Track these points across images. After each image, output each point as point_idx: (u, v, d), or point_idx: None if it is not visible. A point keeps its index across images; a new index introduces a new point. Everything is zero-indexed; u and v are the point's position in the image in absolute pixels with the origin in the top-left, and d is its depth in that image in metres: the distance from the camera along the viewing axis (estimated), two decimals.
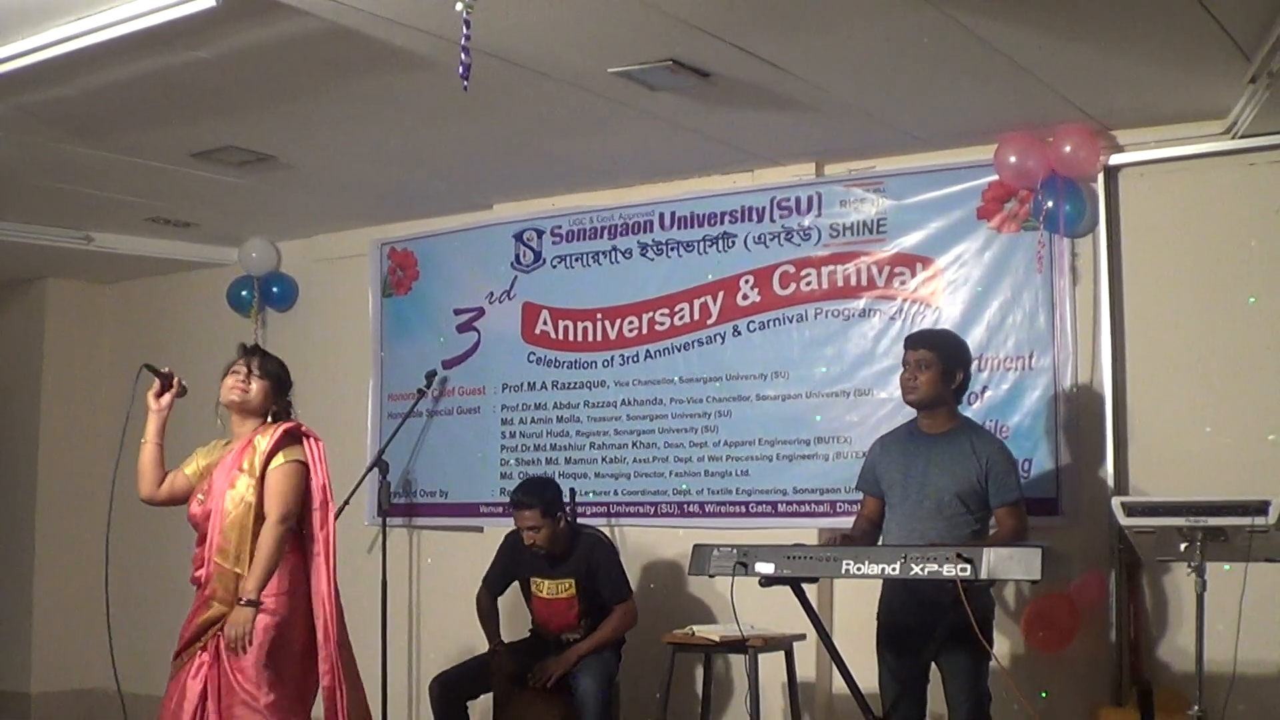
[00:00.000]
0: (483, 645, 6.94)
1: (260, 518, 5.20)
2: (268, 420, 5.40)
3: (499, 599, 6.99)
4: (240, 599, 5.11)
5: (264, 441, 5.28)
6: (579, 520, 7.30)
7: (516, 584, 7.01)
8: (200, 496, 5.34)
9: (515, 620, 7.13)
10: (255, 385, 5.39)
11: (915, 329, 6.56)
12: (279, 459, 5.28)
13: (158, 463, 5.41)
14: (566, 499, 7.38)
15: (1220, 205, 6.25)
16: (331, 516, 5.35)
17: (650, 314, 7.54)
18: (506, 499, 7.47)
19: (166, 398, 5.40)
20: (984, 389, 6.52)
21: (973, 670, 5.49)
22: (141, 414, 5.43)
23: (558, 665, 6.58)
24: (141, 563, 8.91)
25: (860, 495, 6.03)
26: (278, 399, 5.45)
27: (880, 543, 5.77)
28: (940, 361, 5.68)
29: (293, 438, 5.35)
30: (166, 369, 5.43)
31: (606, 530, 7.42)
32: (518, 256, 8.01)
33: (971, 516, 5.59)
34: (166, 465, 5.45)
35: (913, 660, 5.58)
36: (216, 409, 5.50)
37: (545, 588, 6.79)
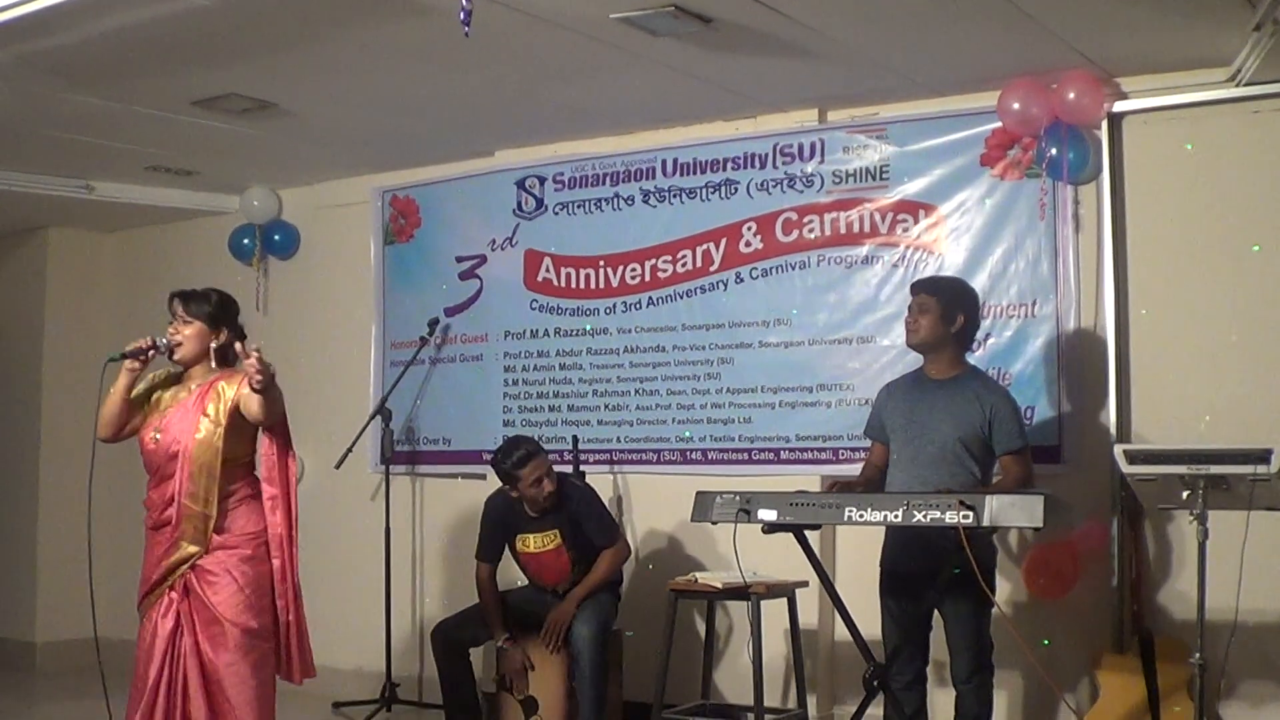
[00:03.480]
0: None
1: (226, 460, 5.27)
2: (217, 359, 5.43)
3: (498, 562, 6.98)
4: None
5: (230, 390, 5.30)
6: (580, 469, 7.33)
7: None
8: (156, 433, 5.37)
9: (508, 571, 7.14)
10: (186, 331, 5.41)
11: (917, 276, 6.58)
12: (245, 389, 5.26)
13: (122, 413, 5.43)
14: (569, 446, 7.41)
15: (1224, 153, 6.22)
16: (291, 461, 5.42)
17: (653, 261, 7.52)
18: None
19: (139, 364, 5.38)
20: (987, 336, 6.51)
21: (975, 617, 5.52)
22: None
23: (560, 618, 6.58)
24: (131, 510, 8.92)
25: (868, 442, 6.04)
26: (215, 334, 5.43)
27: (885, 488, 5.79)
28: (939, 305, 5.69)
29: None
30: (133, 345, 5.35)
31: (609, 478, 7.45)
32: (520, 203, 7.99)
33: (975, 463, 5.61)
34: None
35: (914, 606, 5.61)
36: (169, 355, 5.49)
37: (532, 542, 6.78)
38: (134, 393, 5.45)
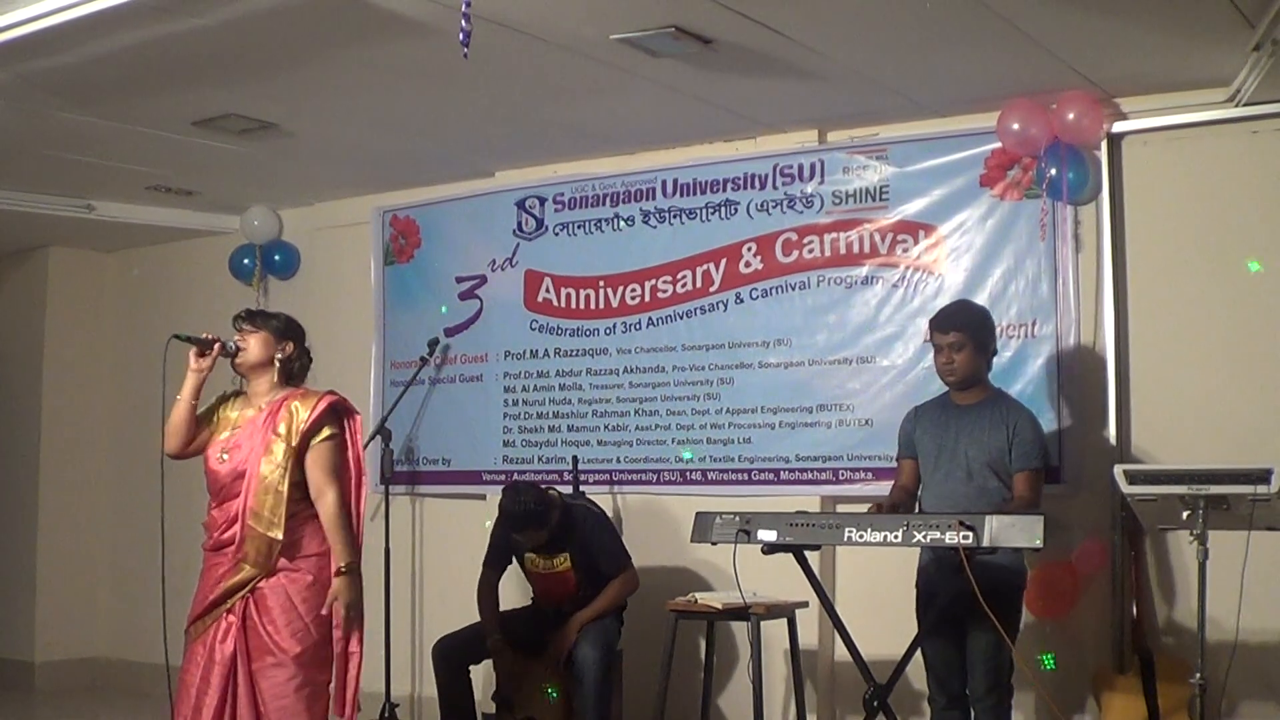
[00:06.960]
0: None
1: (295, 485, 5.20)
2: (281, 374, 5.40)
3: (504, 571, 6.96)
4: (339, 570, 5.18)
5: (304, 411, 5.27)
6: (579, 489, 7.32)
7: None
8: (223, 454, 5.30)
9: (518, 587, 7.14)
10: (251, 340, 5.38)
11: (918, 297, 6.62)
12: (323, 434, 5.28)
13: (189, 422, 5.36)
14: (569, 467, 7.40)
15: (1223, 173, 6.23)
16: (364, 492, 5.37)
17: (653, 281, 7.52)
18: (509, 467, 7.47)
19: (207, 360, 5.36)
20: None
21: (995, 637, 5.43)
22: (175, 387, 5.42)
23: (564, 640, 6.57)
24: (149, 532, 8.90)
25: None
26: (282, 346, 5.42)
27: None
28: (972, 339, 5.66)
29: (335, 414, 5.34)
30: (205, 334, 5.39)
31: (609, 498, 7.44)
32: (520, 224, 8.00)
33: (1003, 485, 5.58)
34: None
35: (949, 627, 5.55)
36: (233, 379, 5.52)
37: (541, 564, 6.78)
38: (200, 411, 5.40)
